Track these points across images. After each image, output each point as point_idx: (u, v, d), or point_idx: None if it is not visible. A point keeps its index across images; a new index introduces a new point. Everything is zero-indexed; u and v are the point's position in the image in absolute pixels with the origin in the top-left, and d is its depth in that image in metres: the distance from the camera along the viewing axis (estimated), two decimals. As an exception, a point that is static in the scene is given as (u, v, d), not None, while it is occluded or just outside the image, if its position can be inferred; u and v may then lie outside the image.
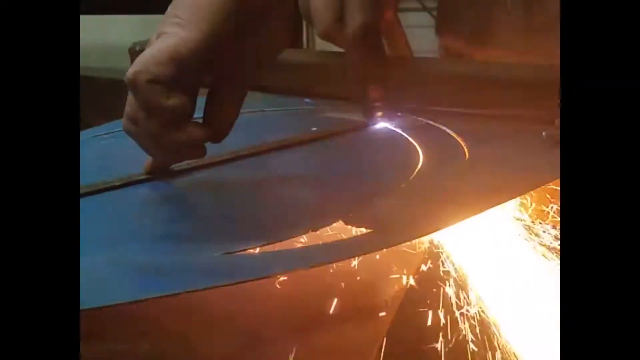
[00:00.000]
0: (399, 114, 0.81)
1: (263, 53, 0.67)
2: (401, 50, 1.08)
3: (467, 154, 0.69)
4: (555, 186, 0.61)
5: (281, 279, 0.55)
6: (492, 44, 0.99)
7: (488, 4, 0.99)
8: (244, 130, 0.77)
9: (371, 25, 0.70)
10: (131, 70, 0.60)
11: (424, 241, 0.64)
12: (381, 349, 0.66)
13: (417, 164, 0.67)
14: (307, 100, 0.90)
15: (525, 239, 0.63)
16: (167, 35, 0.61)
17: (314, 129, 0.83)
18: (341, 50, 0.81)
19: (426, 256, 0.64)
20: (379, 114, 0.80)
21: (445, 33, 1.10)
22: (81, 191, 0.63)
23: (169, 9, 0.63)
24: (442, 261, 0.64)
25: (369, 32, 0.70)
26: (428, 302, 0.64)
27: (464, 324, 0.62)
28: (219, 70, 0.66)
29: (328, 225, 0.57)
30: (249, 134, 0.78)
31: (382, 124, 0.80)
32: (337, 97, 0.87)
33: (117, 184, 0.67)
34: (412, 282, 0.65)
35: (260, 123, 0.83)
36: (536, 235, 0.62)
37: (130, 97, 0.63)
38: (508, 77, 0.78)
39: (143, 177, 0.68)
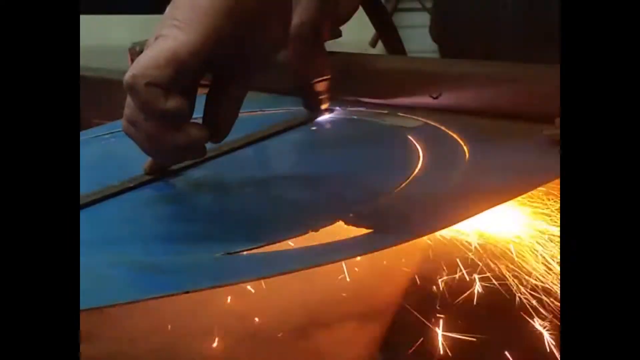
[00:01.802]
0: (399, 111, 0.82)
1: (261, 53, 0.67)
2: (395, 48, 1.10)
3: (467, 153, 0.69)
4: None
5: (281, 279, 0.55)
6: (484, 44, 0.99)
7: (480, 5, 0.99)
8: (244, 130, 0.77)
9: (308, 24, 0.77)
10: (129, 74, 0.60)
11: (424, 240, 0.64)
12: (381, 349, 0.66)
13: (417, 164, 0.67)
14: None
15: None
16: (165, 38, 0.61)
17: (314, 128, 0.83)
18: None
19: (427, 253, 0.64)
20: (323, 107, 0.84)
21: (438, 33, 1.10)
22: (88, 199, 0.63)
23: (167, 11, 0.63)
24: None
25: (305, 30, 0.78)
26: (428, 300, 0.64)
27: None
28: (217, 71, 0.66)
29: (328, 225, 0.57)
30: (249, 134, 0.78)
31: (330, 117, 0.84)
32: (285, 92, 0.90)
33: (130, 185, 0.67)
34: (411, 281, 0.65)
35: (260, 123, 0.83)
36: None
37: (129, 100, 0.63)
38: (504, 76, 0.78)
39: (145, 179, 0.68)
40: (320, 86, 0.83)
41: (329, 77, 0.83)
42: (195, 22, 0.61)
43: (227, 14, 0.61)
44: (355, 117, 0.84)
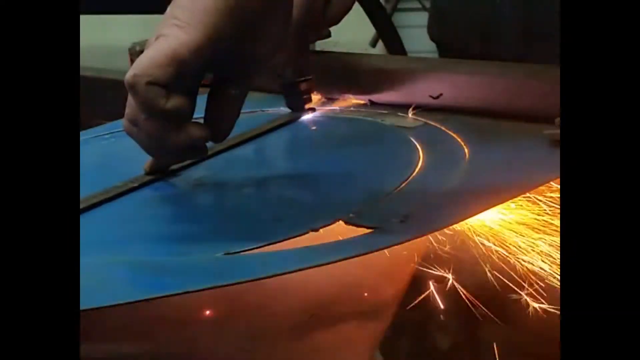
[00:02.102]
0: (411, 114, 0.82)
1: (262, 53, 0.67)
2: (394, 47, 1.10)
3: (467, 153, 0.69)
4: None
5: (281, 279, 0.55)
6: (483, 43, 0.99)
7: (479, 4, 0.99)
8: (245, 130, 0.77)
9: (293, 24, 0.75)
10: (130, 73, 0.61)
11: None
12: (381, 349, 0.66)
13: (417, 163, 0.67)
14: None
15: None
16: (166, 37, 0.61)
17: (314, 128, 0.83)
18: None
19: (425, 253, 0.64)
20: (306, 106, 0.85)
21: (437, 33, 1.10)
22: (94, 200, 0.63)
23: (168, 10, 0.63)
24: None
25: (290, 30, 0.77)
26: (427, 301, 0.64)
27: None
28: (219, 71, 0.66)
29: (328, 225, 0.57)
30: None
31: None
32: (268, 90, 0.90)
33: (134, 185, 0.67)
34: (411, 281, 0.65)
35: (260, 123, 0.83)
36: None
37: (130, 99, 0.63)
38: (504, 76, 0.78)
39: (148, 179, 0.68)
40: (303, 86, 0.84)
41: (311, 77, 0.84)
42: (196, 22, 0.61)
43: (228, 13, 0.61)
44: (355, 117, 0.84)
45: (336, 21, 0.88)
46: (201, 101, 0.67)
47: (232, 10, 0.61)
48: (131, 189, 0.66)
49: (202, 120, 0.66)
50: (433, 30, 1.11)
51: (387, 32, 1.16)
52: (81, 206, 0.62)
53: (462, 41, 1.03)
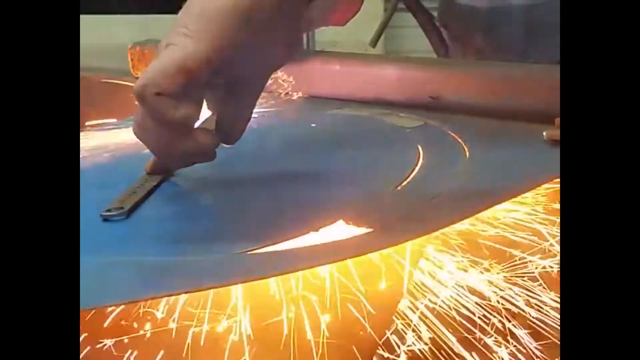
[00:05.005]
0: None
1: (273, 57, 0.66)
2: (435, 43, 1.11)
3: (467, 153, 0.69)
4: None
5: (281, 278, 0.55)
6: (490, 29, 0.99)
7: None
8: (247, 131, 0.77)
9: None
10: (139, 84, 0.60)
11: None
12: (381, 349, 0.66)
13: (417, 164, 0.67)
14: None
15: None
16: (175, 47, 0.61)
17: (313, 125, 0.83)
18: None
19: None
20: None
21: (445, 17, 1.11)
22: (128, 206, 0.63)
23: (178, 17, 0.63)
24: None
25: None
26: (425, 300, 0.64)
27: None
28: (227, 79, 0.66)
29: (328, 225, 0.57)
30: (252, 135, 0.78)
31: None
32: None
33: (154, 184, 0.66)
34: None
35: (262, 123, 0.83)
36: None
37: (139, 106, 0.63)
38: (504, 76, 0.78)
39: (162, 178, 0.68)
40: None
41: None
42: (205, 32, 0.60)
43: (238, 22, 0.61)
44: (355, 116, 0.84)
45: (316, 25, 0.85)
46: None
47: (242, 19, 0.61)
48: (154, 187, 0.66)
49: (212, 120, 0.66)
50: (441, 14, 1.12)
51: (433, 34, 1.16)
52: (126, 208, 0.61)
53: (468, 30, 1.03)
